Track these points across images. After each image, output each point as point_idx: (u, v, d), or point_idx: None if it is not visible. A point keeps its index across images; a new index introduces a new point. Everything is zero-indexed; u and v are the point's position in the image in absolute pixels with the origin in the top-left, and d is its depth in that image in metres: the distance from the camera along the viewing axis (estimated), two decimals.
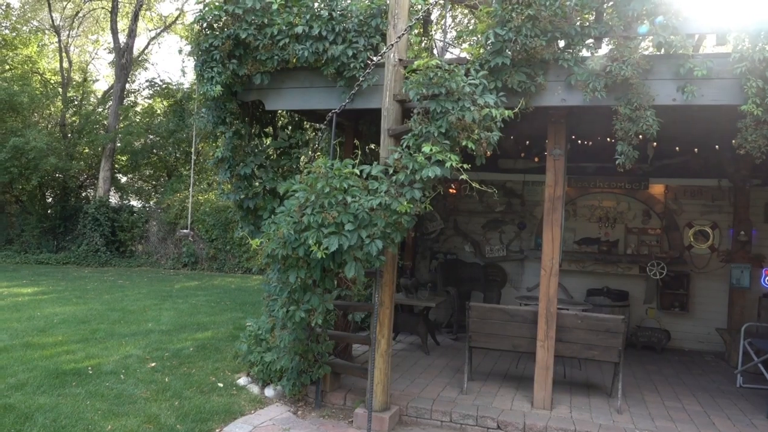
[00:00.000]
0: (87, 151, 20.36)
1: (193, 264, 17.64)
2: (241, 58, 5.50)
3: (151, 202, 20.16)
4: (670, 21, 4.53)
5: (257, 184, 5.97)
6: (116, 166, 20.91)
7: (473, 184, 4.53)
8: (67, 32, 22.71)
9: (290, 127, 6.57)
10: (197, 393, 5.69)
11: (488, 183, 9.38)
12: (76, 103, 21.88)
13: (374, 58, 5.12)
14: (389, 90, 5.08)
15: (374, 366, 5.13)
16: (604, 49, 5.00)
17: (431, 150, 4.33)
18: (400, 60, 5.08)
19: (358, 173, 4.51)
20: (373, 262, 4.37)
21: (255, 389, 5.87)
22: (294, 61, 5.46)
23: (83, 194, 20.86)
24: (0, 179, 17.26)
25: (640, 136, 4.77)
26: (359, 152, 4.79)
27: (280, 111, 6.72)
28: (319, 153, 5.74)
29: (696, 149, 7.66)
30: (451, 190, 9.39)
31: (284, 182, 4.69)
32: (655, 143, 6.77)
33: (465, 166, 4.40)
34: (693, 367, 7.26)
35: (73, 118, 21.17)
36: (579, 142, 7.56)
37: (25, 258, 17.73)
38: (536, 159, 8.46)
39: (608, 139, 7.38)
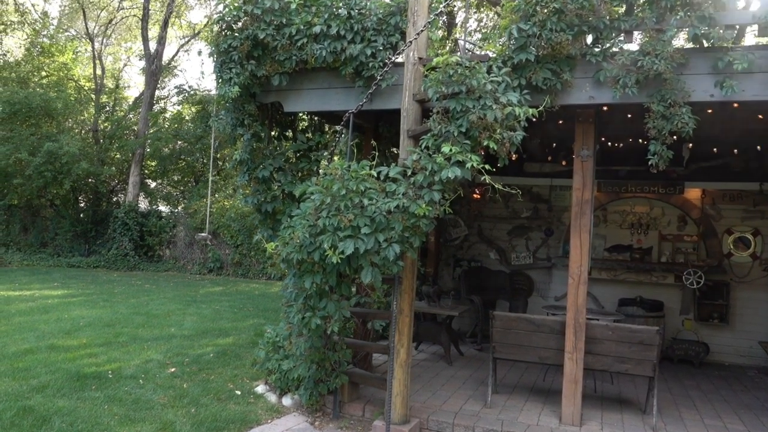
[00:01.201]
0: (118, 156, 20.74)
1: (219, 269, 17.73)
2: (259, 58, 5.40)
3: (179, 208, 20.37)
4: (706, 11, 4.25)
5: (276, 187, 5.86)
6: (146, 171, 21.25)
7: (496, 186, 4.30)
8: (101, 40, 23.25)
9: (310, 130, 6.46)
10: (214, 400, 5.58)
11: (513, 188, 9.25)
12: (108, 109, 22.33)
13: (393, 57, 4.96)
14: (408, 89, 4.90)
15: (393, 376, 4.93)
16: (635, 44, 4.74)
17: (451, 150, 4.13)
18: (420, 58, 4.90)
19: (375, 175, 4.34)
20: (391, 267, 4.18)
21: (273, 398, 5.73)
22: (312, 61, 5.33)
23: (114, 199, 21.24)
24: (35, 183, 17.65)
25: (675, 136, 4.48)
26: (377, 153, 4.61)
27: (300, 114, 6.62)
28: (337, 155, 5.59)
29: (735, 150, 7.28)
30: (474, 195, 9.14)
31: (301, 185, 4.54)
32: (690, 144, 6.42)
33: (487, 167, 4.19)
34: (734, 382, 6.84)
35: (105, 124, 21.61)
36: (609, 143, 7.25)
37: (58, 261, 18.08)
38: (563, 162, 8.16)
39: (640, 140, 7.06)
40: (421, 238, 4.26)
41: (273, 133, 6.25)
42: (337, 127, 4.95)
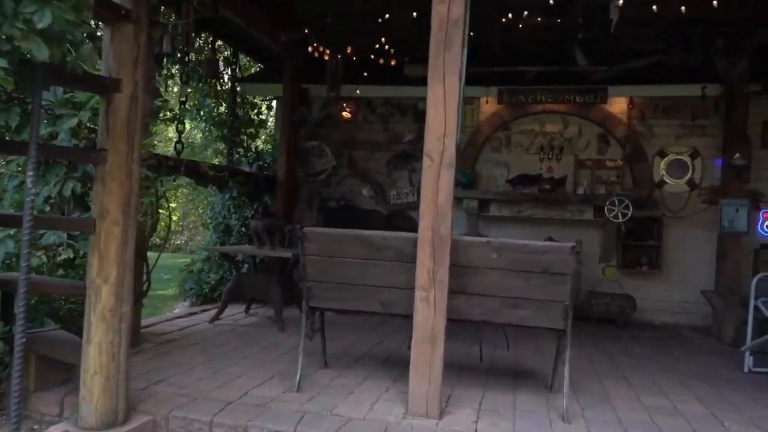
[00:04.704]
0: None
1: None
2: None
3: None
4: None
5: None
6: None
7: None
8: None
9: None
10: None
11: (394, 104, 7.07)
12: None
13: None
14: None
15: (88, 340, 2.57)
16: None
17: None
18: None
19: None
20: None
21: None
22: None
23: None
24: None
25: None
26: None
27: None
28: None
29: (675, 41, 5.46)
30: (344, 114, 6.89)
31: None
32: (620, 1, 4.44)
33: None
34: (672, 345, 4.99)
35: None
36: (511, 17, 5.18)
37: None
38: None
39: (555, 15, 5.08)
40: None
41: None
42: None
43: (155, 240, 15.24)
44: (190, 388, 3.13)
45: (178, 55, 4.37)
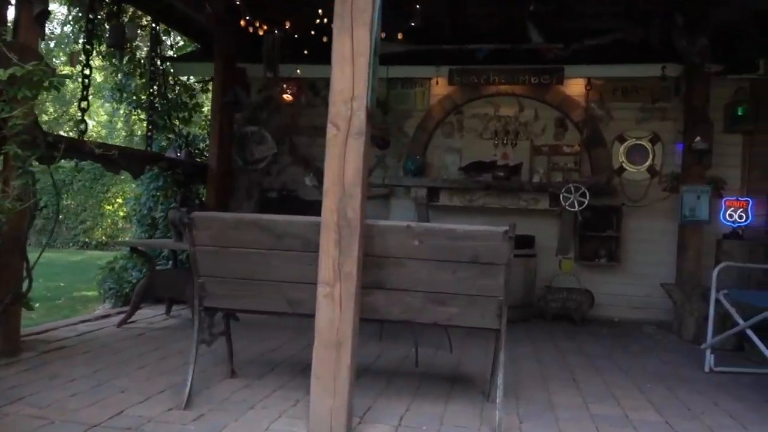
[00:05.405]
0: None
1: None
2: None
3: None
4: None
5: None
6: None
7: None
8: None
9: None
10: None
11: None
12: None
13: None
14: None
15: None
16: None
17: None
18: None
19: None
20: None
21: None
22: None
23: None
24: None
25: None
26: None
27: None
28: None
29: (634, 17, 5.10)
30: (286, 97, 6.36)
31: None
32: None
33: None
34: (630, 342, 4.62)
35: None
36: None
37: None
38: (401, 35, 5.55)
39: None
40: None
41: None
42: None
43: (102, 238, 14.26)
44: (53, 408, 2.58)
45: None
